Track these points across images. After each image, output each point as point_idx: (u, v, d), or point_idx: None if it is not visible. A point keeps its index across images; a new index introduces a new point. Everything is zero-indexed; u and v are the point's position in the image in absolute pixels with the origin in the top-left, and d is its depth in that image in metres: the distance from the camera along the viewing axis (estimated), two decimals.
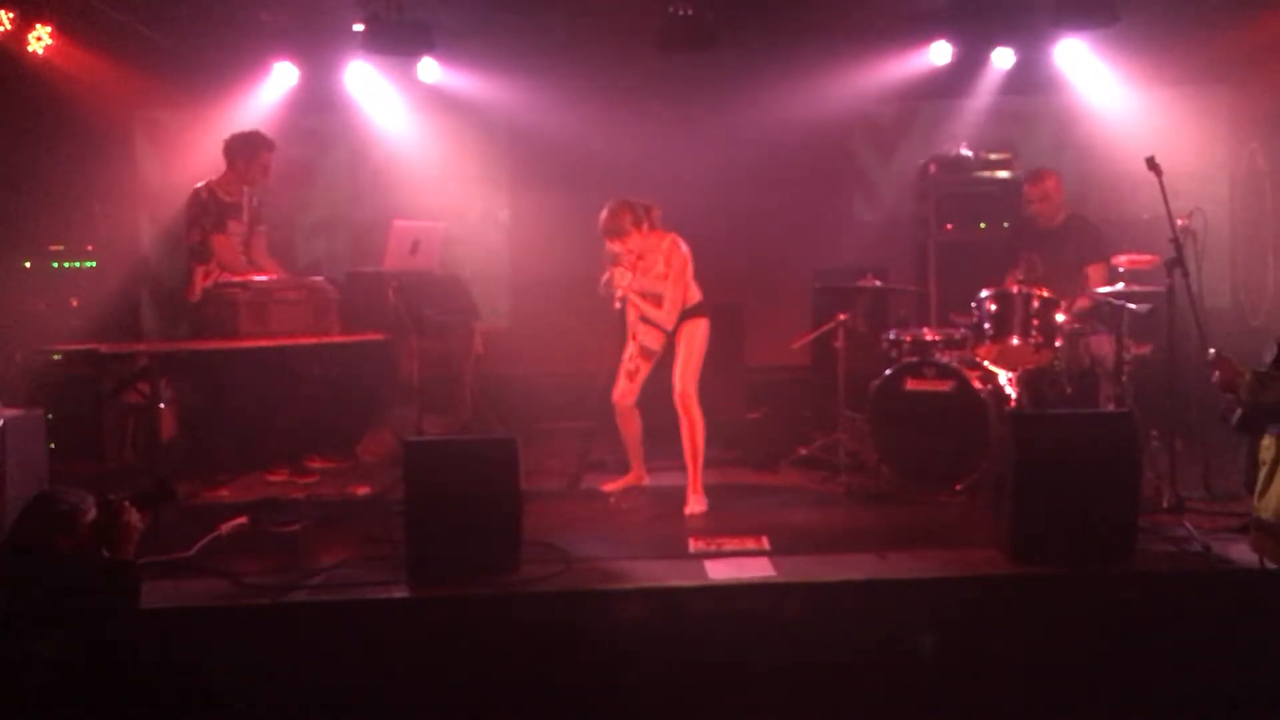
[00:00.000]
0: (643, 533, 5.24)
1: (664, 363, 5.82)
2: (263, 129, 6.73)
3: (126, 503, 3.58)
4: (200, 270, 6.40)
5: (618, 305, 5.75)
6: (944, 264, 7.77)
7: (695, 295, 5.77)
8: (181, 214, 6.59)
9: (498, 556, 4.39)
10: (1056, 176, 6.63)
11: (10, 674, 3.29)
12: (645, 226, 5.65)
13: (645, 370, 5.88)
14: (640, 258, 5.69)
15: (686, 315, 5.73)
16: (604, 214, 5.62)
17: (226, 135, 6.59)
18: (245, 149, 6.51)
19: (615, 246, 5.63)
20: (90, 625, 3.37)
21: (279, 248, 7.23)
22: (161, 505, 3.80)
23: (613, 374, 5.93)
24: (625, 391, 5.88)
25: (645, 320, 5.82)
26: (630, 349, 5.89)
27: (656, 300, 5.71)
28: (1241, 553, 4.42)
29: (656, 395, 5.78)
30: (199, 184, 6.50)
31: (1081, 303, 6.14)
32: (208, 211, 6.43)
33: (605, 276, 5.75)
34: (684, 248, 5.70)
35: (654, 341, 5.84)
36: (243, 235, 6.63)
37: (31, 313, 7.22)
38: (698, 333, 5.72)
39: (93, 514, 3.50)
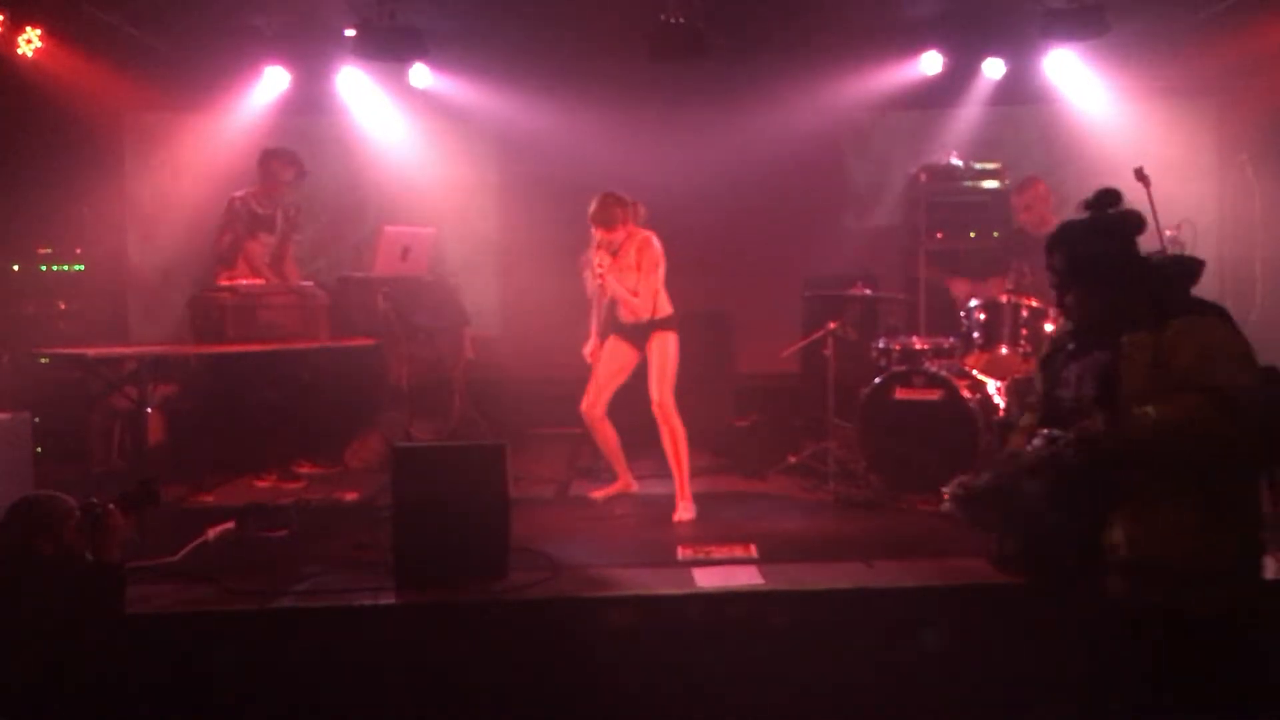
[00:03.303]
0: (631, 540, 5.23)
1: (641, 374, 5.82)
2: (253, 134, 6.77)
3: (110, 505, 3.56)
4: (225, 275, 6.52)
5: (597, 283, 5.73)
6: (934, 272, 7.79)
7: (666, 308, 5.77)
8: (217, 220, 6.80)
9: (486, 563, 4.37)
10: (1044, 185, 6.64)
11: None
12: (630, 222, 5.70)
13: (617, 382, 5.87)
14: (615, 250, 5.70)
15: (656, 327, 5.73)
16: (594, 204, 5.66)
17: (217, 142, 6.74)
18: (260, 162, 6.74)
19: (599, 235, 5.66)
20: (75, 629, 3.35)
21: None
22: (145, 508, 3.78)
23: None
24: (593, 402, 5.86)
25: (618, 333, 5.83)
26: (594, 350, 5.88)
27: (631, 291, 5.72)
28: None
29: (644, 403, 5.76)
30: (236, 193, 6.71)
31: None
32: (239, 219, 6.63)
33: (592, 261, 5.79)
34: (657, 245, 5.71)
35: (626, 354, 5.84)
36: (272, 247, 6.78)
37: (19, 316, 7.20)
38: (668, 346, 5.72)
39: (77, 517, 3.48)
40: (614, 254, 5.71)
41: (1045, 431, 2.95)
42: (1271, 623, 2.97)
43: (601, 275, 5.62)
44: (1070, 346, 3.11)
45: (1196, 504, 2.80)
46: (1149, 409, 2.78)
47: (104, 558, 3.50)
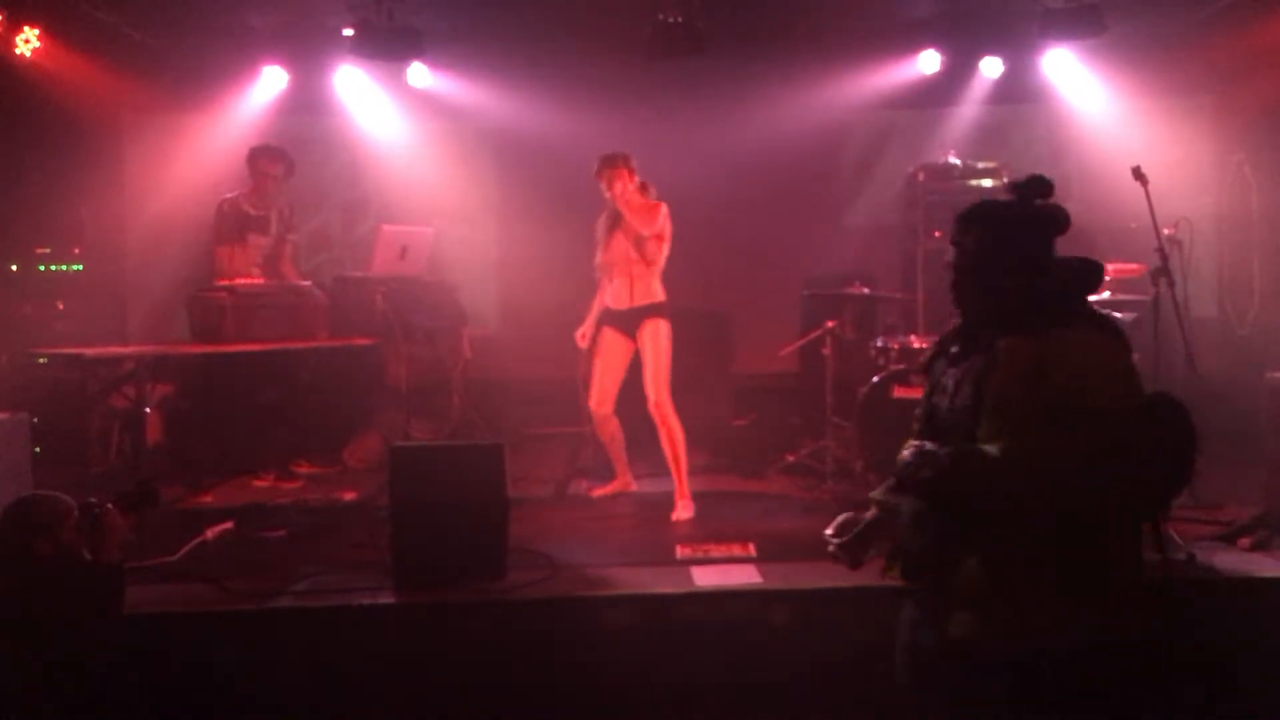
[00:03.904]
0: (629, 539, 5.24)
1: (640, 371, 5.82)
2: (251, 133, 6.76)
3: (109, 505, 3.55)
4: (217, 278, 6.48)
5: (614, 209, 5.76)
6: (932, 272, 7.79)
7: (659, 293, 5.75)
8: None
9: (484, 563, 4.37)
10: None
11: None
12: (638, 181, 5.71)
13: (619, 375, 5.87)
14: (626, 207, 5.67)
15: (648, 313, 5.71)
16: (602, 155, 5.69)
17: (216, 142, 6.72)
18: (248, 160, 6.69)
19: (603, 181, 5.66)
20: (74, 629, 3.35)
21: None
22: (144, 508, 3.78)
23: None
24: (600, 399, 5.87)
25: (613, 326, 5.83)
26: (585, 332, 5.90)
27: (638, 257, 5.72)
28: (1225, 560, 4.44)
29: (641, 403, 5.77)
30: (226, 196, 6.68)
31: None
32: (229, 222, 6.60)
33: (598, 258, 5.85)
34: (666, 214, 5.70)
35: (620, 345, 5.82)
36: (265, 248, 6.74)
37: (17, 316, 7.19)
38: (660, 335, 5.69)
39: (75, 517, 3.48)
40: (624, 209, 5.67)
41: (915, 444, 2.63)
42: (1133, 663, 2.58)
43: (616, 201, 5.61)
44: (954, 349, 2.77)
45: (1051, 539, 2.48)
46: (995, 448, 2.48)
47: (103, 558, 3.49)
